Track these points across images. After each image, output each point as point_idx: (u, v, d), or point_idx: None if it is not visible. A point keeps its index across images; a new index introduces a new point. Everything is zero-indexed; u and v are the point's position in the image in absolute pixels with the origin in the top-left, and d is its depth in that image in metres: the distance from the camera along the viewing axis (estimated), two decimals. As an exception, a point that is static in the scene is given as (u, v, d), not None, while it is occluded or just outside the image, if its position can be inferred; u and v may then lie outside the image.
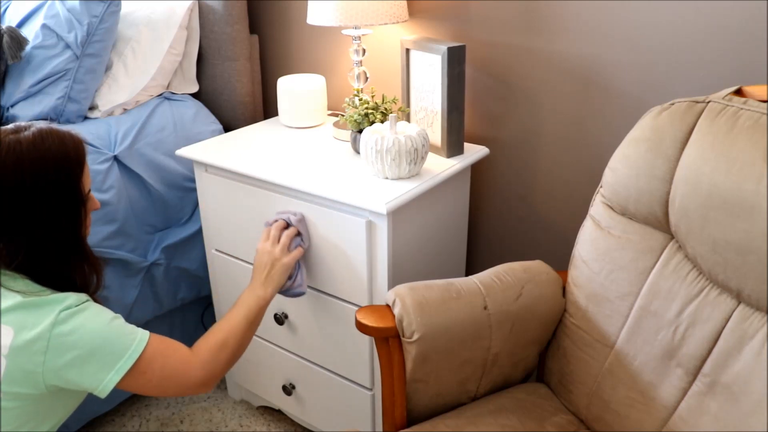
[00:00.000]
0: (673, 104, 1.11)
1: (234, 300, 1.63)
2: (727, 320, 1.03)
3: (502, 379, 1.29)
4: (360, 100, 1.52)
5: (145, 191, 1.69)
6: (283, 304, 1.55)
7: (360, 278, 1.35)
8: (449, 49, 1.37)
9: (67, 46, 1.64)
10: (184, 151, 1.58)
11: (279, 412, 1.83)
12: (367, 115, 1.45)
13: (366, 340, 1.40)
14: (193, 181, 1.68)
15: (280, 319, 1.55)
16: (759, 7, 1.19)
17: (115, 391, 1.04)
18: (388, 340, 1.17)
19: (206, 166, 1.56)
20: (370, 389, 1.47)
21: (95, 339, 1.00)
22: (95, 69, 1.68)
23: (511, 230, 1.68)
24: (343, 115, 1.58)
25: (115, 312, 1.08)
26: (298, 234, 1.37)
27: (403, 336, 1.14)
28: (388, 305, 1.19)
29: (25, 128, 1.02)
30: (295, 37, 1.90)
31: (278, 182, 1.39)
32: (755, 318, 1.00)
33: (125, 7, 1.78)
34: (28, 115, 1.62)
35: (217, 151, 1.56)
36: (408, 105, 1.56)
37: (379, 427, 1.50)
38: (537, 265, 1.29)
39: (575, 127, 1.48)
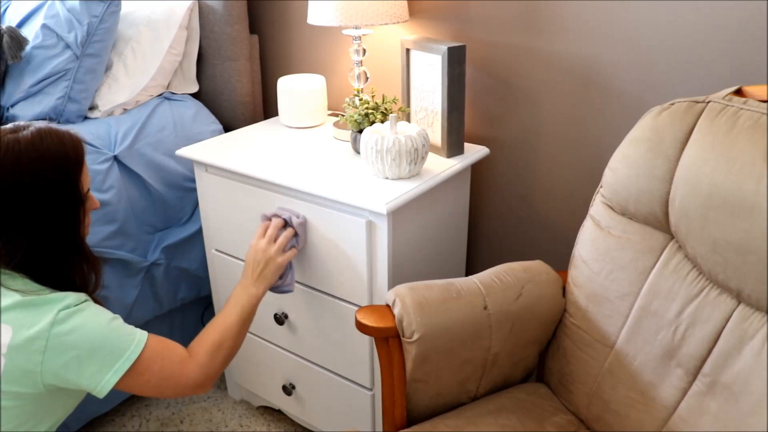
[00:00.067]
0: (673, 104, 1.11)
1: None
2: (727, 320, 1.03)
3: (502, 379, 1.29)
4: (360, 100, 1.52)
5: (145, 191, 1.69)
6: (283, 305, 1.55)
7: (360, 278, 1.35)
8: (449, 49, 1.37)
9: (67, 46, 1.64)
10: (184, 151, 1.58)
11: (279, 412, 1.82)
12: (367, 115, 1.45)
13: (366, 340, 1.40)
14: (193, 181, 1.68)
15: (280, 319, 1.55)
16: (759, 7, 1.19)
17: (115, 391, 1.04)
18: (388, 340, 1.17)
19: (206, 166, 1.56)
20: (370, 389, 1.47)
21: (94, 339, 1.00)
22: (95, 69, 1.68)
23: (511, 230, 1.68)
24: (343, 115, 1.58)
25: (115, 312, 1.09)
26: (295, 235, 1.37)
27: (403, 336, 1.14)
28: (388, 305, 1.19)
29: (24, 128, 1.02)
30: (295, 37, 1.90)
31: (278, 182, 1.39)
32: (755, 318, 1.00)
33: (125, 7, 1.78)
34: (28, 115, 1.62)
35: (217, 151, 1.56)
36: (408, 105, 1.56)
37: (379, 427, 1.50)
38: (537, 265, 1.29)
39: (575, 127, 1.48)
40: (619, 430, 1.16)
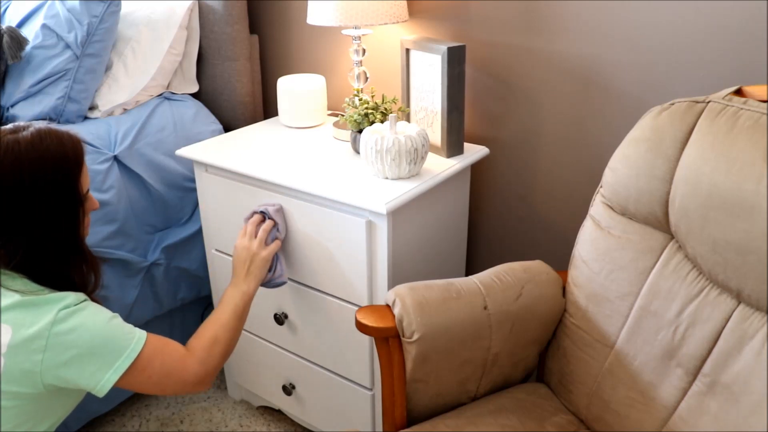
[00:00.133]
0: (673, 104, 1.11)
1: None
2: (727, 320, 1.03)
3: (502, 379, 1.29)
4: (360, 100, 1.52)
5: (145, 191, 1.69)
6: (283, 305, 1.55)
7: (360, 278, 1.35)
8: (449, 49, 1.37)
9: (67, 46, 1.64)
10: (184, 151, 1.58)
11: (279, 412, 1.82)
12: (367, 115, 1.45)
13: (366, 340, 1.40)
14: (193, 181, 1.69)
15: (280, 319, 1.55)
16: (759, 7, 1.19)
17: (115, 390, 1.04)
18: (388, 340, 1.17)
19: (206, 166, 1.56)
20: (370, 389, 1.47)
21: (94, 338, 1.00)
22: (95, 69, 1.68)
23: (511, 230, 1.67)
24: (343, 115, 1.58)
25: (115, 312, 1.09)
26: (275, 225, 1.38)
27: (403, 336, 1.14)
28: (388, 305, 1.19)
29: (24, 128, 1.02)
30: (295, 37, 1.90)
31: (278, 182, 1.39)
32: (755, 318, 1.00)
33: (125, 7, 1.78)
34: (28, 115, 1.62)
35: (217, 151, 1.56)
36: (408, 105, 1.56)
37: (379, 427, 1.50)
38: (537, 265, 1.29)
39: (575, 127, 1.48)
40: (619, 430, 1.16)
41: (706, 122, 1.05)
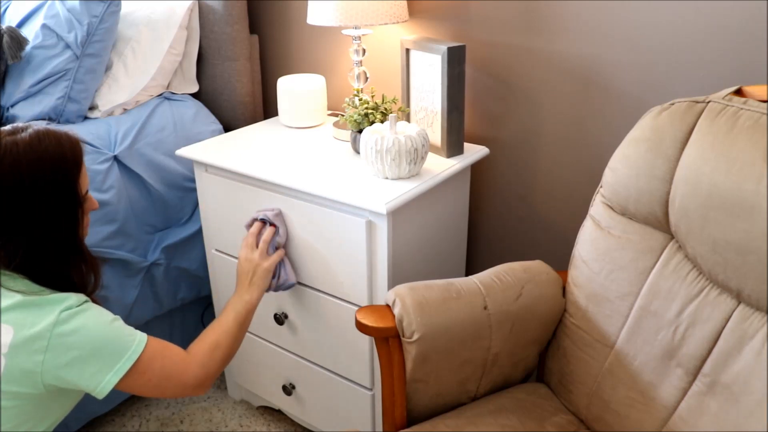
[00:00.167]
0: (673, 104, 1.11)
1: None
2: (727, 320, 1.03)
3: (502, 379, 1.29)
4: (360, 100, 1.52)
5: (145, 191, 1.69)
6: (283, 305, 1.55)
7: (360, 278, 1.35)
8: (449, 49, 1.37)
9: (67, 46, 1.64)
10: (184, 151, 1.58)
11: (279, 412, 1.82)
12: (367, 115, 1.45)
13: (366, 340, 1.40)
14: (193, 181, 1.68)
15: (280, 319, 1.55)
16: (759, 7, 1.19)
17: (115, 391, 1.04)
18: (388, 340, 1.17)
19: (206, 166, 1.56)
20: (370, 389, 1.47)
21: (95, 340, 1.01)
22: (95, 69, 1.68)
23: (511, 230, 1.67)
24: (343, 115, 1.58)
25: (115, 312, 1.10)
26: (276, 231, 1.39)
27: (403, 336, 1.14)
28: (388, 305, 1.19)
29: (23, 129, 1.03)
30: (295, 37, 1.90)
31: (278, 182, 1.39)
32: (755, 318, 1.00)
33: (125, 7, 1.78)
34: (28, 115, 1.62)
35: (217, 151, 1.56)
36: (408, 105, 1.56)
37: (379, 427, 1.50)
38: (537, 265, 1.29)
39: (575, 127, 1.48)
40: (619, 430, 1.16)
41: (706, 122, 1.05)
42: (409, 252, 1.39)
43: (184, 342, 1.16)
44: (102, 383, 1.01)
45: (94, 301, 1.09)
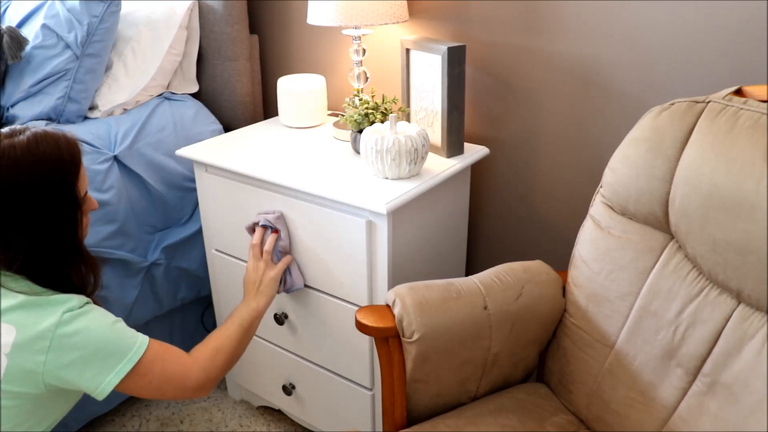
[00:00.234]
0: (673, 104, 1.11)
1: (234, 299, 1.64)
2: (727, 320, 1.03)
3: (502, 379, 1.29)
4: (360, 100, 1.52)
5: (145, 191, 1.69)
6: (283, 305, 1.55)
7: (360, 278, 1.35)
8: (449, 49, 1.37)
9: (67, 46, 1.64)
10: (184, 151, 1.58)
11: (279, 412, 1.82)
12: (367, 115, 1.45)
13: (366, 340, 1.40)
14: (193, 181, 1.68)
15: (280, 319, 1.55)
16: (759, 7, 1.19)
17: (115, 391, 1.04)
18: (388, 340, 1.17)
19: (206, 166, 1.56)
20: (370, 389, 1.47)
21: (97, 341, 1.01)
22: (95, 69, 1.68)
23: (511, 230, 1.67)
24: (343, 115, 1.58)
25: (116, 312, 1.10)
26: (278, 235, 1.40)
27: (403, 336, 1.14)
28: (388, 305, 1.19)
29: (20, 132, 1.03)
30: (295, 37, 1.90)
31: (278, 182, 1.39)
32: (755, 318, 1.00)
33: (125, 7, 1.78)
34: (28, 115, 1.62)
35: (217, 151, 1.56)
36: (408, 105, 1.56)
37: (379, 427, 1.50)
38: (537, 265, 1.29)
39: (575, 127, 1.48)
40: (619, 430, 1.16)
41: (706, 122, 1.05)
42: (409, 252, 1.39)
43: (185, 342, 1.16)
44: (103, 384, 1.01)
45: (95, 301, 1.09)
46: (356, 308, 1.36)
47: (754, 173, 0.96)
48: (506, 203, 1.66)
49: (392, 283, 1.34)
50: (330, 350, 1.50)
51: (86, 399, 1.18)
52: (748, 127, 0.99)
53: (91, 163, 1.53)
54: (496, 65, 1.55)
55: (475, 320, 1.18)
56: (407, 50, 1.50)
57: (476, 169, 1.64)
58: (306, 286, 1.47)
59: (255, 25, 1.95)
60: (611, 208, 1.20)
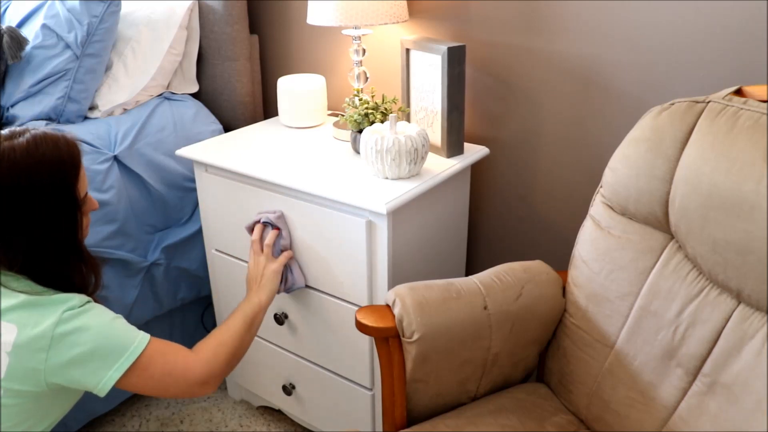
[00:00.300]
0: (673, 104, 1.11)
1: (234, 299, 1.64)
2: (727, 320, 1.03)
3: (502, 379, 1.29)
4: (360, 100, 1.52)
5: (145, 191, 1.69)
6: (283, 305, 1.55)
7: (360, 278, 1.35)
8: (449, 49, 1.37)
9: (67, 46, 1.64)
10: (184, 151, 1.58)
11: (279, 412, 1.82)
12: (367, 115, 1.45)
13: (366, 340, 1.40)
14: (193, 181, 1.69)
15: (280, 319, 1.55)
16: (759, 7, 1.19)
17: (116, 390, 1.04)
18: (388, 340, 1.17)
19: (206, 166, 1.56)
20: (370, 389, 1.47)
21: (97, 337, 1.01)
22: (95, 69, 1.68)
23: (511, 230, 1.67)
24: (343, 115, 1.58)
25: (115, 312, 1.09)
26: (279, 234, 1.40)
27: (403, 336, 1.14)
28: (388, 305, 1.19)
29: (20, 134, 1.03)
30: (295, 37, 1.90)
31: (278, 182, 1.39)
32: (755, 318, 1.00)
33: (125, 7, 1.78)
34: (28, 115, 1.62)
35: (217, 151, 1.56)
36: (408, 105, 1.56)
37: (379, 427, 1.50)
38: (537, 265, 1.29)
39: (575, 127, 1.48)
40: (619, 430, 1.16)
41: (706, 122, 1.05)
42: (409, 252, 1.39)
43: (185, 343, 1.16)
44: (104, 380, 1.01)
45: (96, 301, 1.09)
46: (356, 308, 1.36)
47: (754, 173, 0.96)
48: (506, 203, 1.66)
49: (392, 283, 1.34)
50: (330, 350, 1.50)
51: (86, 398, 1.18)
52: (748, 127, 0.99)
53: (91, 163, 1.53)
54: (496, 65, 1.55)
55: (475, 320, 1.18)
56: (407, 50, 1.50)
57: (476, 169, 1.64)
58: (306, 286, 1.47)
59: (255, 25, 1.95)
60: (611, 208, 1.20)
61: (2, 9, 1.86)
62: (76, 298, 1.03)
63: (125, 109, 1.75)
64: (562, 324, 1.28)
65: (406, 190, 1.30)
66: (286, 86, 1.69)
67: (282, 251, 1.41)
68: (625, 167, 1.15)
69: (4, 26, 1.63)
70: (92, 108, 1.73)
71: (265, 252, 1.38)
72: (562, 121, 1.49)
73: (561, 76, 1.46)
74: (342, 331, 1.45)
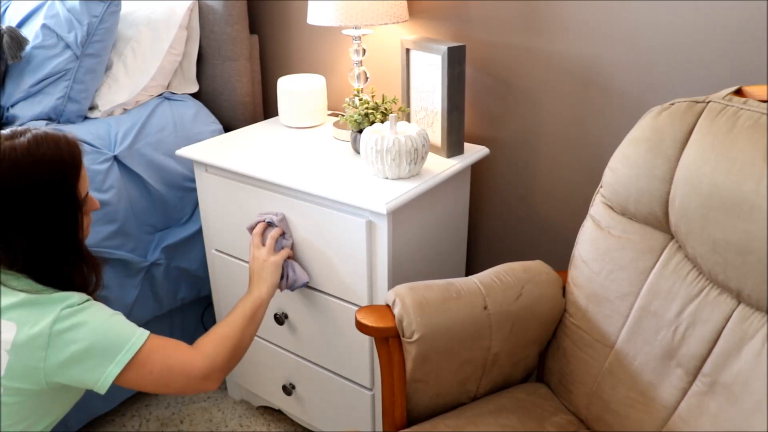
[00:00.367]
0: (673, 104, 1.11)
1: (234, 299, 1.64)
2: (727, 320, 1.03)
3: (502, 379, 1.29)
4: (360, 100, 1.52)
5: (145, 191, 1.69)
6: (283, 304, 1.55)
7: (360, 278, 1.35)
8: (449, 49, 1.37)
9: (67, 46, 1.64)
10: (184, 151, 1.58)
11: (279, 412, 1.83)
12: (367, 115, 1.45)
13: (366, 340, 1.40)
14: (193, 181, 1.69)
15: (280, 319, 1.55)
16: (759, 7, 1.19)
17: (116, 390, 1.04)
18: (388, 340, 1.17)
19: (206, 166, 1.56)
20: (370, 389, 1.47)
21: (95, 334, 1.01)
22: (95, 69, 1.68)
23: (511, 230, 1.68)
24: (343, 115, 1.58)
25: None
26: (282, 234, 1.39)
27: (403, 336, 1.14)
28: (388, 305, 1.19)
29: (21, 134, 1.03)
30: (295, 37, 1.90)
31: (278, 182, 1.39)
32: (755, 318, 1.00)
33: (125, 7, 1.78)
34: (28, 115, 1.62)
35: (217, 151, 1.56)
36: (408, 105, 1.56)
37: (379, 427, 1.50)
38: (537, 265, 1.29)
39: (575, 127, 1.48)
40: (619, 430, 1.16)
41: (706, 122, 1.05)
42: (409, 252, 1.39)
43: (185, 342, 1.15)
44: (104, 376, 1.01)
45: (96, 300, 1.09)
46: (356, 308, 1.36)
47: (754, 173, 0.96)
48: (506, 203, 1.66)
49: (392, 283, 1.34)
50: (330, 350, 1.50)
51: (87, 398, 1.18)
52: (748, 127, 0.99)
53: (91, 163, 1.53)
54: (496, 65, 1.55)
55: (475, 320, 1.18)
56: (407, 50, 1.50)
57: (476, 169, 1.64)
58: (306, 286, 1.46)
59: (255, 25, 1.95)
60: (611, 208, 1.20)
61: (2, 9, 1.86)
62: (75, 296, 1.03)
63: (125, 109, 1.75)
64: (562, 324, 1.28)
65: (406, 190, 1.30)
66: (286, 86, 1.69)
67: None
68: (625, 167, 1.15)
69: (4, 26, 1.63)
70: (92, 108, 1.73)
71: (268, 244, 1.36)
72: (562, 121, 1.49)
73: (561, 76, 1.46)
74: (342, 331, 1.45)
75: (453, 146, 1.47)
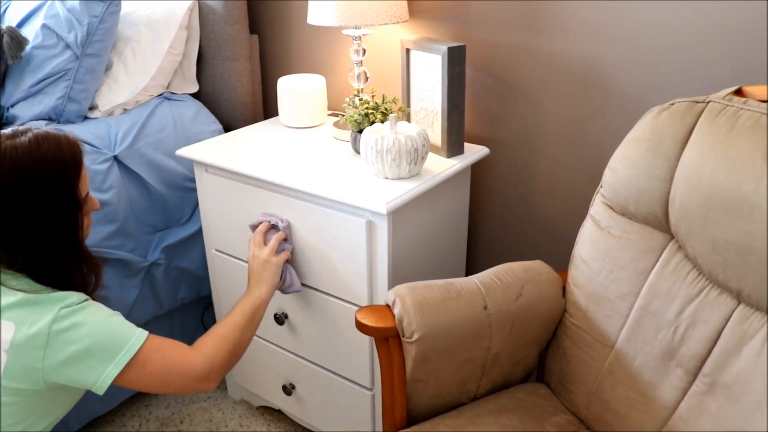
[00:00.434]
0: (673, 104, 1.11)
1: (234, 299, 1.64)
2: (727, 320, 1.03)
3: (502, 379, 1.29)
4: (360, 100, 1.52)
5: (145, 191, 1.69)
6: (283, 305, 1.55)
7: (360, 278, 1.35)
8: (449, 49, 1.37)
9: (67, 46, 1.64)
10: (184, 151, 1.58)
11: (279, 412, 1.83)
12: (367, 115, 1.45)
13: (366, 340, 1.40)
14: (193, 181, 1.69)
15: (280, 319, 1.55)
16: (759, 7, 1.19)
17: (116, 390, 1.04)
18: (388, 340, 1.17)
19: (206, 166, 1.56)
20: (370, 389, 1.47)
21: (94, 334, 1.01)
22: (95, 69, 1.68)
23: (511, 230, 1.68)
24: (343, 115, 1.58)
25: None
26: (285, 238, 1.39)
27: (403, 336, 1.14)
28: (388, 305, 1.19)
29: (22, 133, 1.03)
30: (295, 37, 1.90)
31: (278, 182, 1.39)
32: (755, 318, 1.00)
33: (125, 7, 1.78)
34: (28, 115, 1.62)
35: (217, 151, 1.56)
36: (408, 105, 1.56)
37: (379, 427, 1.50)
38: (537, 265, 1.29)
39: (575, 127, 1.48)
40: (619, 430, 1.16)
41: (706, 122, 1.05)
42: (409, 252, 1.39)
43: (185, 342, 1.15)
44: (102, 376, 1.01)
45: (96, 300, 1.09)
46: (356, 308, 1.36)
47: (754, 173, 0.96)
48: (506, 203, 1.66)
49: (392, 283, 1.34)
50: (330, 350, 1.50)
51: (87, 398, 1.18)
52: (748, 127, 0.99)
53: (91, 163, 1.53)
54: (496, 65, 1.55)
55: (475, 320, 1.18)
56: (407, 50, 1.50)
57: (476, 169, 1.64)
58: (306, 286, 1.47)
59: (255, 25, 1.95)
60: (611, 208, 1.20)
61: (2, 9, 1.86)
62: (74, 296, 1.03)
63: (125, 109, 1.75)
64: (562, 324, 1.28)
65: (406, 190, 1.30)
66: (286, 86, 1.69)
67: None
68: (625, 167, 1.15)
69: (4, 26, 1.63)
70: (92, 108, 1.73)
71: (271, 244, 1.35)
72: (562, 121, 1.49)
73: (561, 76, 1.46)
74: (342, 331, 1.45)
75: (453, 146, 1.47)
